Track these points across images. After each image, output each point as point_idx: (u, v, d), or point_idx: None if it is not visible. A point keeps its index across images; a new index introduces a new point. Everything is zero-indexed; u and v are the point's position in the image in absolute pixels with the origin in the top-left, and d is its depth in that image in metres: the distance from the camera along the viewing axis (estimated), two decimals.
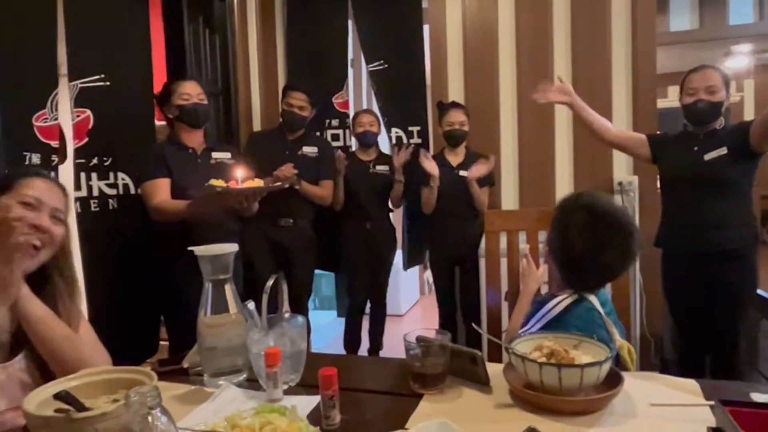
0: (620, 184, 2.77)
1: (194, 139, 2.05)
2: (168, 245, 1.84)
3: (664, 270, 2.23)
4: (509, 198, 2.96)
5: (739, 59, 6.39)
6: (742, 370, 2.11)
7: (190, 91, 2.00)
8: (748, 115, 7.63)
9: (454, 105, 2.73)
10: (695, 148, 2.01)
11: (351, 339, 2.92)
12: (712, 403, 0.86)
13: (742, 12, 4.18)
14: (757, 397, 0.88)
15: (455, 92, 2.99)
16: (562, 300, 1.14)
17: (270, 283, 1.05)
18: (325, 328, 3.76)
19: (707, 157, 1.97)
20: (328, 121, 3.08)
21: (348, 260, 2.85)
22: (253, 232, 2.40)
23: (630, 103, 2.77)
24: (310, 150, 2.62)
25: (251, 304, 1.15)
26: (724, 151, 1.95)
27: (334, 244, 2.83)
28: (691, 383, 0.96)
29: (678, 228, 2.10)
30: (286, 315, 1.14)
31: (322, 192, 2.61)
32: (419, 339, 1.04)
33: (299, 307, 2.65)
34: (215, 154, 2.08)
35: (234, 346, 1.07)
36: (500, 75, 2.93)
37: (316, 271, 2.85)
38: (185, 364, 1.16)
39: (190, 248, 1.09)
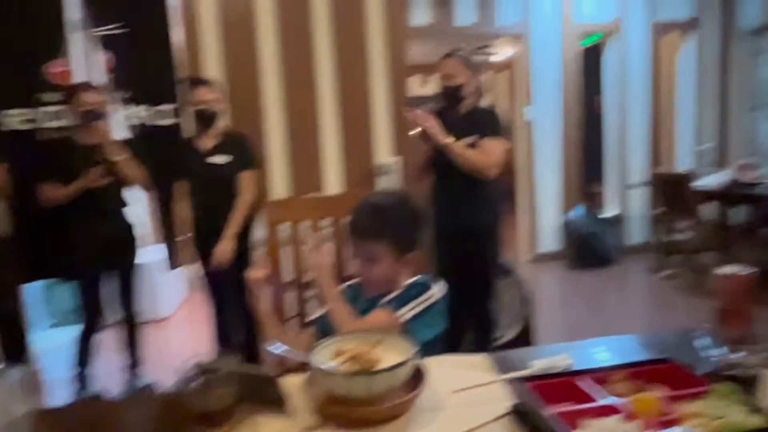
0: (381, 166, 2.91)
1: None
2: None
3: (430, 244, 2.44)
4: (278, 186, 2.84)
5: None
6: (493, 327, 2.44)
7: None
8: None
9: (201, 81, 2.47)
10: (452, 132, 2.20)
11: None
12: (508, 377, 0.88)
13: (467, 14, 4.82)
14: (537, 363, 0.94)
15: (213, 67, 2.71)
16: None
17: None
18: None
19: (462, 142, 2.17)
20: (39, 95, 2.41)
21: (78, 265, 2.34)
22: None
23: (386, 92, 2.92)
24: None
25: None
26: (472, 140, 2.18)
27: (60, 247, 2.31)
28: (482, 359, 0.99)
29: (438, 206, 2.31)
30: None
31: None
32: (197, 368, 0.83)
33: None
34: None
35: None
36: (261, 54, 2.76)
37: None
38: None
39: None
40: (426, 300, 1.12)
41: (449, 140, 2.13)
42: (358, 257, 1.16)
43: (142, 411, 0.96)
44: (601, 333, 1.19)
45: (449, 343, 2.36)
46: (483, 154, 2.16)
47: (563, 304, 4.14)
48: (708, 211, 4.35)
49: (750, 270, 0.92)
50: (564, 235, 5.12)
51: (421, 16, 4.72)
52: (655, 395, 0.72)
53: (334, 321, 1.09)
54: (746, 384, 0.78)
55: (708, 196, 3.97)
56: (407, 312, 1.08)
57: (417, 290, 1.14)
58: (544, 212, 5.15)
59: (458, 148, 2.14)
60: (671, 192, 4.07)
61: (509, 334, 2.93)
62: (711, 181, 4.03)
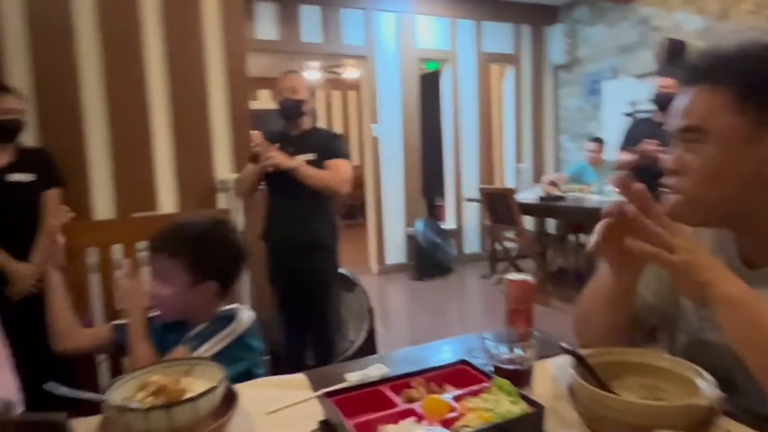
0: (222, 182, 2.81)
1: None
2: None
3: (267, 261, 2.43)
4: (104, 206, 2.58)
5: (313, 73, 7.59)
6: (335, 341, 2.48)
7: None
8: (320, 120, 9.17)
9: (4, 88, 2.18)
10: (290, 149, 2.22)
11: None
12: (317, 394, 0.90)
13: (312, 32, 4.90)
14: (351, 376, 0.99)
15: (18, 73, 2.40)
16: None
17: None
18: None
19: (301, 158, 2.21)
20: None
21: None
22: None
23: (226, 105, 2.83)
24: None
25: None
26: (312, 157, 2.23)
27: None
28: (300, 378, 1.01)
29: (276, 222, 2.31)
30: None
31: None
32: None
33: None
34: None
35: None
36: (81, 59, 2.50)
37: None
38: None
39: None
40: (229, 335, 1.10)
41: (297, 163, 2.17)
42: (152, 274, 1.10)
43: None
44: (441, 337, 1.29)
45: (292, 360, 2.37)
46: (333, 173, 2.23)
47: (408, 313, 4.37)
48: (529, 221, 4.95)
49: (530, 277, 1.06)
50: (409, 246, 5.43)
51: (267, 30, 4.69)
52: (441, 396, 0.79)
53: (133, 358, 1.03)
54: (521, 377, 0.90)
55: (526, 209, 4.52)
56: (208, 349, 1.06)
57: (220, 324, 1.12)
58: (390, 225, 5.41)
59: (309, 170, 2.19)
60: (498, 205, 4.55)
61: (355, 345, 3.01)
62: (528, 195, 4.59)
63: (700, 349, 0.93)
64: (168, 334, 1.15)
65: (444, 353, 1.18)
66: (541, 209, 4.67)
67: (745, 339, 0.70)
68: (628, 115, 3.04)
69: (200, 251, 1.13)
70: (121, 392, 0.83)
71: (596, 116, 5.69)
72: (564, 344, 0.89)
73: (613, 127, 5.30)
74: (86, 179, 2.51)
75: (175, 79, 2.69)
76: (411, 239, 5.36)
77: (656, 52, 4.81)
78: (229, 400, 0.84)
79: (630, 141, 3.16)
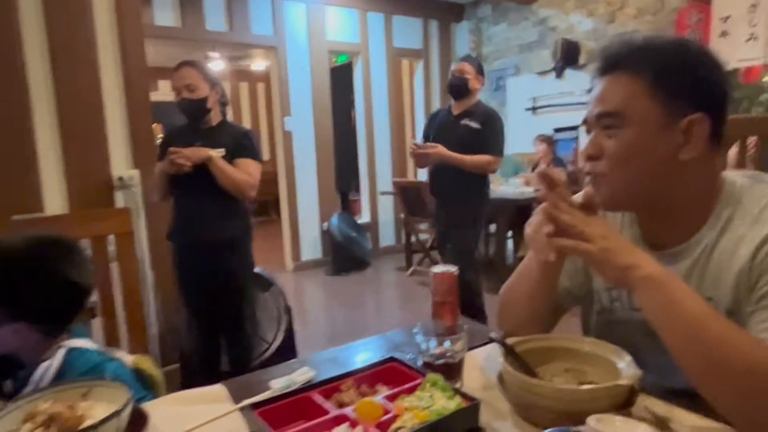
0: (120, 179, 2.58)
1: None
2: None
3: (175, 262, 2.27)
4: None
5: (217, 63, 7.21)
6: (252, 345, 2.37)
7: None
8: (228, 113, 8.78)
9: None
10: (197, 143, 2.08)
11: None
12: (240, 406, 0.83)
13: (217, 19, 4.64)
14: (276, 383, 0.92)
15: None
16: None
17: None
18: None
19: (213, 152, 2.08)
20: None
21: None
22: None
23: (123, 96, 2.60)
24: None
25: None
26: (222, 152, 2.10)
27: None
28: (218, 389, 0.92)
29: (183, 220, 2.16)
30: None
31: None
32: None
33: None
34: None
35: None
36: None
37: None
38: None
39: None
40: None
41: (213, 153, 2.05)
42: None
43: None
44: (362, 332, 1.24)
45: (205, 369, 2.22)
46: (244, 174, 2.11)
47: (326, 309, 4.31)
48: None
49: (454, 269, 1.06)
50: (324, 242, 5.36)
51: (166, 16, 4.38)
52: (374, 399, 0.76)
53: None
54: (452, 370, 0.89)
55: None
56: None
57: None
58: (305, 221, 5.30)
59: (224, 164, 2.07)
60: (412, 198, 4.61)
61: (273, 346, 2.91)
62: None
63: (611, 327, 0.98)
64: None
65: (370, 351, 1.15)
66: None
67: (665, 318, 0.74)
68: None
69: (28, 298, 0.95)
70: (2, 425, 0.70)
71: (502, 111, 5.93)
72: (492, 334, 0.90)
73: (517, 122, 5.58)
74: None
75: (60, 68, 2.40)
76: (326, 234, 5.29)
77: (553, 51, 5.12)
78: (138, 424, 0.75)
79: (428, 130, 3.09)
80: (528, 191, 4.26)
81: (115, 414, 0.69)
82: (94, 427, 0.66)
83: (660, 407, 0.77)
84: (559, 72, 5.16)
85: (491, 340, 0.91)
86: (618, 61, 0.83)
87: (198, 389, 0.92)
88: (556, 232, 0.81)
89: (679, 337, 0.73)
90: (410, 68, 6.58)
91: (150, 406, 0.81)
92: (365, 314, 4.08)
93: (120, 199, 2.56)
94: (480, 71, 2.95)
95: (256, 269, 2.95)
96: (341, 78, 5.96)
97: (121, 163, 2.59)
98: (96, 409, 0.74)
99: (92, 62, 2.50)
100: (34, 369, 0.95)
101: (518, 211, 4.04)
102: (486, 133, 2.85)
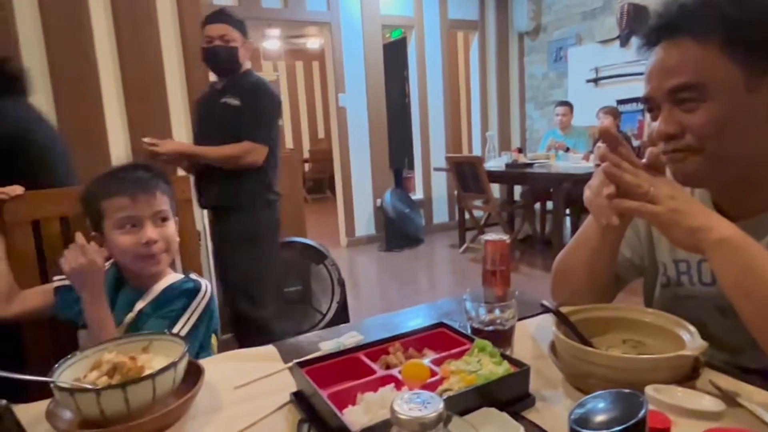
0: None
1: None
2: None
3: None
4: None
5: (272, 42, 7.31)
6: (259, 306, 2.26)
7: None
8: (282, 94, 8.92)
9: None
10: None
11: None
12: (289, 365, 0.85)
13: None
14: (325, 345, 0.94)
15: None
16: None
17: None
18: None
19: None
20: None
21: None
22: None
23: (182, 75, 2.69)
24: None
25: None
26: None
27: None
28: (270, 349, 0.95)
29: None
30: None
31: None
32: None
33: None
34: None
35: None
36: (19, 33, 2.32)
37: None
38: None
39: None
40: (197, 307, 1.04)
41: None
42: (139, 220, 1.04)
43: None
44: (414, 306, 1.24)
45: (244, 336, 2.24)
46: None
47: (379, 284, 4.35)
48: (497, 190, 4.96)
49: (506, 237, 1.02)
50: (378, 218, 5.39)
51: None
52: (421, 361, 0.75)
53: (94, 329, 0.95)
54: (502, 337, 0.87)
55: (494, 177, 4.52)
56: (183, 325, 1.00)
57: (189, 296, 1.05)
58: (359, 197, 5.34)
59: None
60: (466, 174, 4.53)
61: (326, 317, 2.97)
62: (495, 164, 4.59)
63: (677, 302, 0.92)
64: (114, 295, 1.08)
65: (419, 318, 1.14)
66: (508, 177, 4.69)
67: (742, 284, 0.68)
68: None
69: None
70: (72, 372, 0.75)
71: (562, 83, 5.70)
72: (545, 302, 0.86)
73: (578, 94, 5.33)
74: None
75: (126, 48, 2.53)
76: (379, 211, 5.31)
77: (618, 17, 4.82)
78: (194, 376, 0.78)
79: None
80: (587, 166, 4.08)
81: (172, 365, 0.72)
82: (153, 376, 0.69)
83: (727, 382, 0.72)
84: (624, 40, 4.86)
85: (544, 309, 0.88)
86: (677, 24, 0.75)
87: (250, 349, 0.95)
88: (618, 193, 0.76)
89: (758, 306, 0.67)
90: (465, 41, 6.40)
91: (204, 362, 0.84)
92: (417, 290, 4.09)
93: (179, 170, 2.67)
94: (246, 34, 2.22)
95: (310, 242, 3.01)
96: (395, 53, 5.88)
97: (181, 138, 2.69)
98: (155, 361, 0.77)
99: (155, 43, 2.59)
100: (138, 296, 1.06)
101: (576, 187, 3.88)
102: (245, 111, 2.12)
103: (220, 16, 2.17)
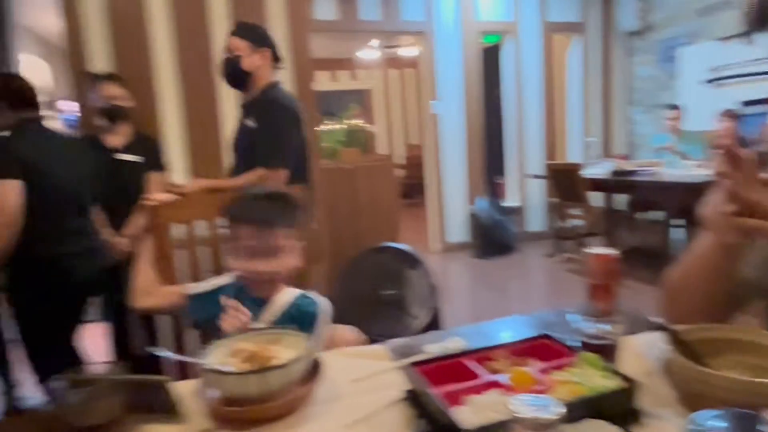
0: None
1: None
2: None
3: None
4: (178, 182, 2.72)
5: (370, 51, 7.55)
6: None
7: None
8: (377, 102, 9.16)
9: (107, 76, 2.35)
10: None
11: None
12: (402, 363, 0.91)
13: (371, 9, 4.85)
14: (429, 348, 0.99)
15: (100, 62, 2.54)
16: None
17: None
18: None
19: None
20: None
21: None
22: None
23: (293, 86, 2.89)
24: None
25: None
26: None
27: None
28: (381, 349, 1.03)
29: None
30: None
31: None
32: (77, 378, 0.79)
33: None
34: None
35: None
36: (155, 46, 2.63)
37: None
38: None
39: None
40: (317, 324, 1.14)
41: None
42: (256, 250, 1.14)
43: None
44: (507, 315, 1.27)
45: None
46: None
47: (471, 291, 4.35)
48: (596, 198, 4.75)
49: (615, 251, 1.02)
50: (470, 225, 5.37)
51: (326, 10, 4.70)
52: (528, 369, 0.78)
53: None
54: (608, 352, 0.88)
55: (595, 184, 4.34)
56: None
57: (310, 310, 1.15)
58: (451, 203, 5.36)
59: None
60: (564, 182, 4.40)
61: (419, 322, 3.03)
62: (596, 170, 4.40)
63: None
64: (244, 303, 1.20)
65: (517, 328, 1.16)
66: (611, 185, 4.47)
67: None
68: None
69: (297, 218, 1.20)
70: (214, 357, 0.87)
71: (671, 85, 5.34)
72: (655, 319, 0.86)
73: (691, 97, 4.96)
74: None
75: None
76: (473, 217, 5.29)
77: (744, 11, 4.42)
78: (315, 368, 0.87)
79: None
80: (701, 174, 3.79)
81: (301, 357, 0.82)
82: (286, 365, 0.79)
83: None
84: (748, 36, 4.45)
85: (655, 326, 0.87)
86: None
87: (363, 347, 1.03)
88: (741, 211, 0.74)
89: None
90: (563, 43, 6.20)
91: (323, 357, 0.93)
92: (510, 299, 4.03)
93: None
94: (259, 42, 2.08)
95: (405, 247, 3.09)
96: (489, 59, 5.84)
97: None
98: (284, 353, 0.87)
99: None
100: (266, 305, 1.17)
101: (689, 197, 3.61)
102: (260, 134, 1.99)
103: (232, 28, 2.16)
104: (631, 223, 4.71)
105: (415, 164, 8.72)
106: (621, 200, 4.99)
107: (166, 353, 0.87)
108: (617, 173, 4.20)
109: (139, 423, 0.81)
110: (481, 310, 3.67)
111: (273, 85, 2.09)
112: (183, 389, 0.85)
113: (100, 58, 2.54)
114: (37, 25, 4.78)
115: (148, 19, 2.60)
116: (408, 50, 8.13)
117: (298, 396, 0.82)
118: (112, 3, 2.54)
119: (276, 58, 2.13)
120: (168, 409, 0.81)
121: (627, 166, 4.33)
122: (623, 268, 1.02)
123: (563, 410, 0.44)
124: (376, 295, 2.85)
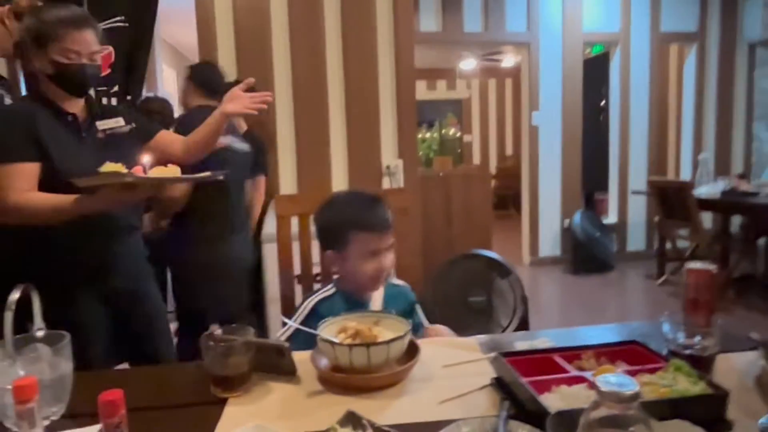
0: (388, 167, 3.03)
1: (76, 104, 1.39)
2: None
3: None
4: (287, 183, 2.96)
5: (469, 61, 7.59)
6: None
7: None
8: (474, 112, 9.14)
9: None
10: None
11: None
12: (493, 354, 0.98)
13: (473, 21, 4.91)
14: (520, 345, 1.05)
15: (227, 69, 2.84)
16: None
17: (15, 296, 0.82)
18: None
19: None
20: None
21: None
22: None
23: (394, 95, 3.04)
24: None
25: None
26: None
27: None
28: (472, 341, 1.10)
29: None
30: (40, 333, 0.91)
31: None
32: (217, 337, 0.95)
33: None
34: (101, 123, 1.42)
35: None
36: (274, 57, 2.89)
37: None
38: None
39: None
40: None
41: None
42: (378, 252, 1.22)
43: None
44: None
45: None
46: None
47: (562, 307, 4.23)
48: (706, 219, 4.43)
49: (714, 267, 1.02)
50: (565, 239, 5.21)
51: (429, 22, 4.83)
52: (614, 367, 0.82)
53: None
54: (700, 363, 0.89)
55: (706, 204, 4.05)
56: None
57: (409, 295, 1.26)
58: (545, 217, 5.24)
59: None
60: (671, 200, 4.15)
61: (507, 332, 3.03)
62: (708, 190, 4.11)
63: None
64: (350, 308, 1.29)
65: (610, 335, 1.17)
66: (724, 206, 4.15)
67: None
68: None
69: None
70: (326, 333, 1.00)
71: None
72: (754, 334, 0.86)
73: None
74: (275, 160, 2.90)
75: (351, 72, 2.96)
76: (567, 232, 5.14)
77: None
78: (412, 350, 0.97)
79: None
80: None
81: (401, 337, 0.92)
82: (389, 342, 0.89)
83: None
84: None
85: (753, 343, 0.87)
86: None
87: (455, 339, 1.11)
88: None
89: None
90: (679, 55, 5.84)
91: (419, 342, 1.02)
92: (603, 317, 3.87)
93: (386, 183, 3.02)
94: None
95: (496, 255, 3.11)
96: (594, 70, 5.65)
97: (389, 154, 3.04)
98: (384, 333, 0.98)
99: (373, 68, 2.99)
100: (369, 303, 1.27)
101: None
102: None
103: None
104: (747, 247, 4.33)
105: (505, 175, 8.60)
106: (735, 223, 4.61)
107: (291, 321, 1.02)
108: (730, 194, 3.90)
109: (263, 379, 0.95)
110: (570, 325, 3.57)
111: None
112: (299, 357, 0.99)
113: (226, 67, 2.85)
114: (171, 38, 5.39)
115: (269, 35, 2.88)
116: (508, 59, 8.06)
117: (397, 371, 0.92)
118: (239, 20, 2.84)
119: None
120: (288, 371, 0.95)
121: (744, 186, 4.00)
122: (737, 297, 1.00)
123: (638, 390, 0.49)
124: (464, 301, 2.91)
